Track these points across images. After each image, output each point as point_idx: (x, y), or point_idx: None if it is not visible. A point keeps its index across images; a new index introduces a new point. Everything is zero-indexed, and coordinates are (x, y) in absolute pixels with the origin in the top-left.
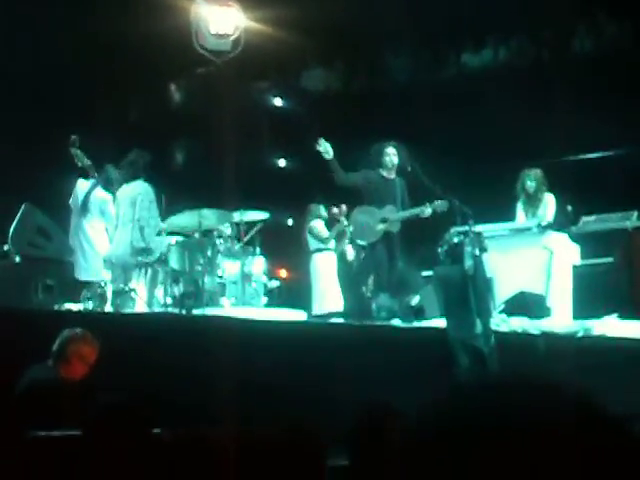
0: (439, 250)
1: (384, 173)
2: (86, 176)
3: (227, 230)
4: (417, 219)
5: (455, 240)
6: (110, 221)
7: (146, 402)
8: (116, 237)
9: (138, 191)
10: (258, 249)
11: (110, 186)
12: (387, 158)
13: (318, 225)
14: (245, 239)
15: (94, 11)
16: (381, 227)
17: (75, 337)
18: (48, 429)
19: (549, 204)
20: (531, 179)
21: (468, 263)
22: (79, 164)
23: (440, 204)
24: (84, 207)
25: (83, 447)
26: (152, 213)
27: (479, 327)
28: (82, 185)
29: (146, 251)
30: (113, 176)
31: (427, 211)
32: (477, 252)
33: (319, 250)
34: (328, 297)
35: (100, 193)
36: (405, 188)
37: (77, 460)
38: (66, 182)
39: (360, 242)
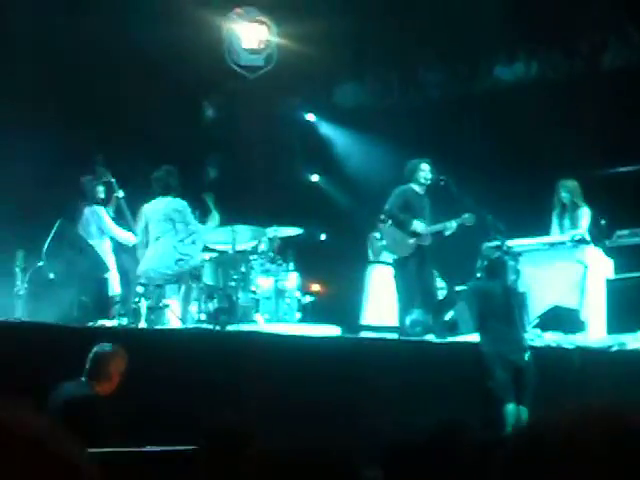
0: (478, 265)
1: (417, 189)
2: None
3: (261, 246)
4: (443, 234)
5: (495, 255)
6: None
7: (179, 417)
8: (149, 253)
9: (173, 207)
10: (292, 264)
11: (94, 199)
12: (422, 174)
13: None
14: None
15: (126, 27)
16: (412, 241)
17: (117, 355)
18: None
19: (583, 216)
20: (566, 190)
21: (512, 277)
22: (103, 180)
23: (467, 218)
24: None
25: (195, 462)
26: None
27: (521, 341)
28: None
29: (185, 261)
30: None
31: (453, 226)
32: (518, 266)
33: (377, 262)
34: (380, 310)
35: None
36: (430, 204)
37: (188, 475)
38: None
39: (392, 256)
